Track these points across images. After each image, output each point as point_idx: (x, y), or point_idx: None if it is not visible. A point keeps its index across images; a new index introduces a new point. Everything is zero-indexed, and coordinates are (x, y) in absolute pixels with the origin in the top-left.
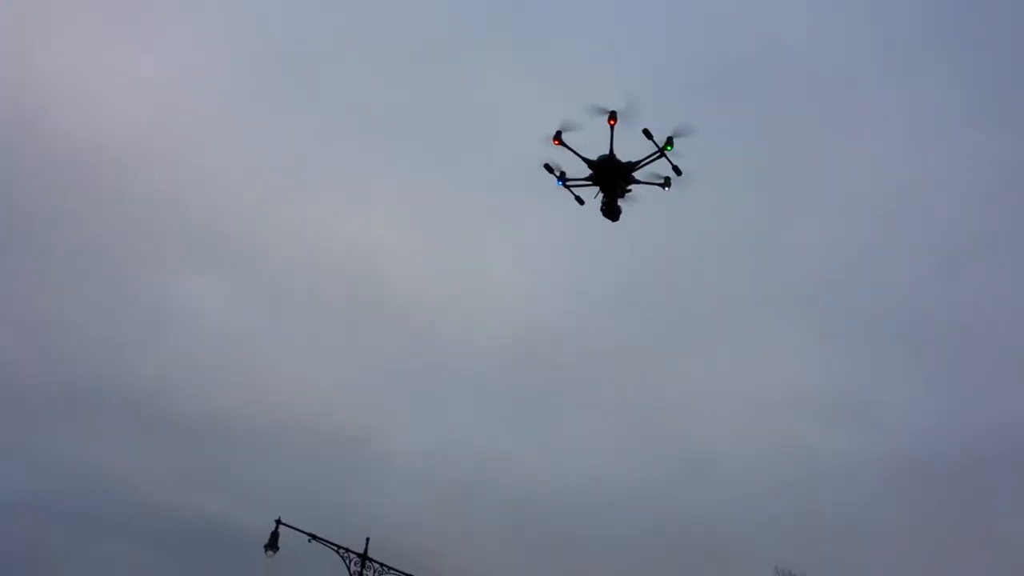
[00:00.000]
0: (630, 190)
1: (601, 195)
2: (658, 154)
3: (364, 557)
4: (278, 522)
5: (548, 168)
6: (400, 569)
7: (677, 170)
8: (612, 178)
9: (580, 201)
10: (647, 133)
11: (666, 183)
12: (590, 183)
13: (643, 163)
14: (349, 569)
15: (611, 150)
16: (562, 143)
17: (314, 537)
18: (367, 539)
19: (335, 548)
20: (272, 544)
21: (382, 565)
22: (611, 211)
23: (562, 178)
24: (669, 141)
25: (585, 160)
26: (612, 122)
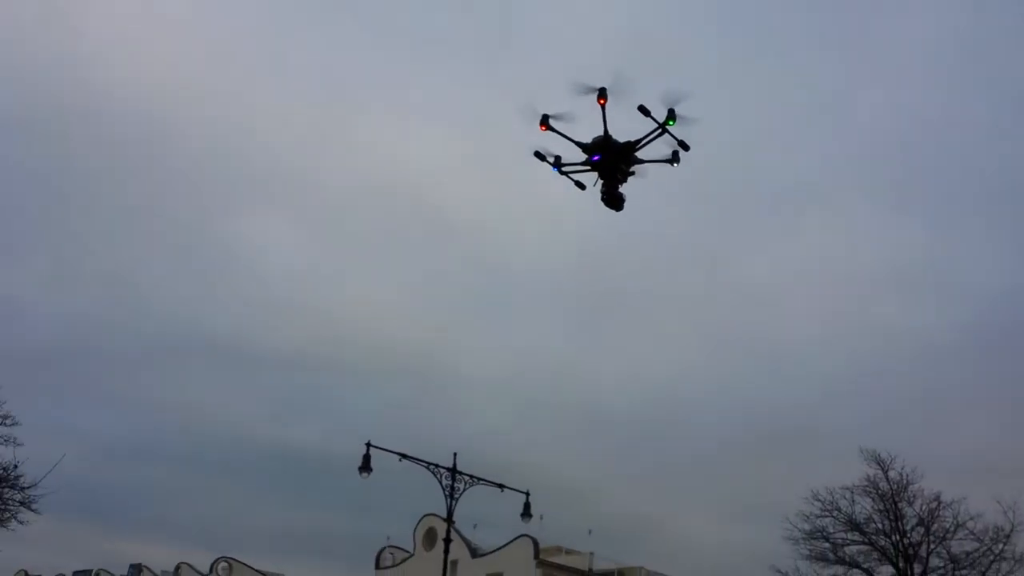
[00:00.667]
0: (632, 172)
1: (600, 182)
2: (659, 131)
3: (454, 471)
4: (368, 445)
5: (539, 156)
6: (489, 479)
7: (683, 145)
8: (611, 162)
9: (581, 186)
10: (643, 110)
11: (674, 159)
12: (588, 168)
13: (644, 142)
14: (441, 483)
15: (605, 131)
16: (550, 128)
17: (404, 456)
18: (455, 454)
19: (425, 464)
20: (365, 466)
21: (471, 477)
22: (612, 200)
23: (557, 164)
24: (671, 115)
25: (579, 144)
26: (602, 101)
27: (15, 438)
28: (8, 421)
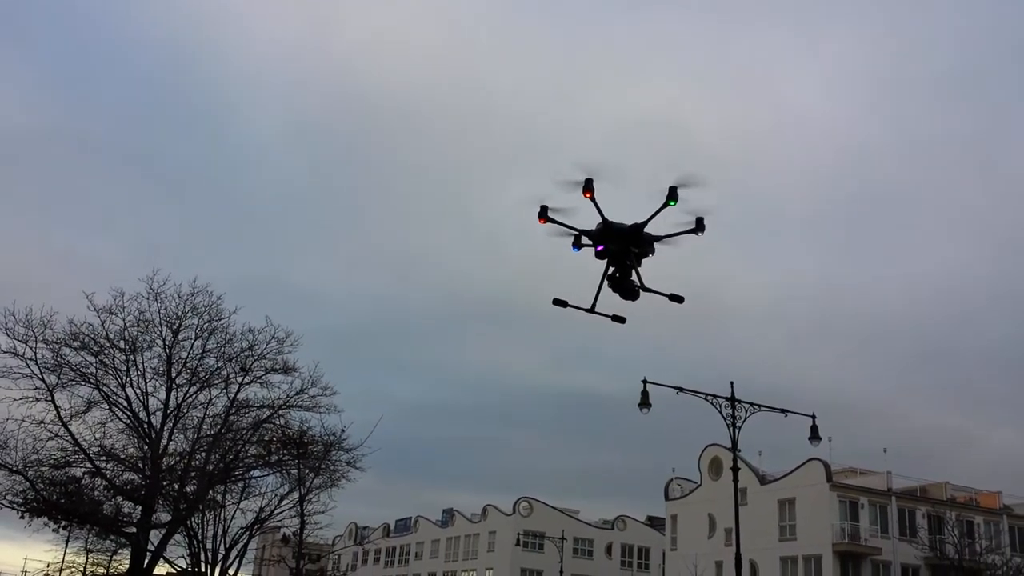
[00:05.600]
0: (649, 253)
1: (612, 269)
2: (664, 209)
3: (732, 400)
4: (645, 381)
5: (559, 303)
6: (769, 405)
7: (700, 224)
8: (621, 248)
9: (620, 320)
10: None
11: (698, 227)
12: (600, 253)
13: (650, 220)
14: (721, 412)
15: (603, 218)
16: (549, 220)
17: (681, 389)
18: (731, 383)
19: (703, 396)
20: (644, 402)
21: (752, 404)
22: (623, 290)
23: (578, 244)
24: (672, 194)
25: (583, 233)
26: (587, 195)
27: (335, 406)
28: (329, 392)
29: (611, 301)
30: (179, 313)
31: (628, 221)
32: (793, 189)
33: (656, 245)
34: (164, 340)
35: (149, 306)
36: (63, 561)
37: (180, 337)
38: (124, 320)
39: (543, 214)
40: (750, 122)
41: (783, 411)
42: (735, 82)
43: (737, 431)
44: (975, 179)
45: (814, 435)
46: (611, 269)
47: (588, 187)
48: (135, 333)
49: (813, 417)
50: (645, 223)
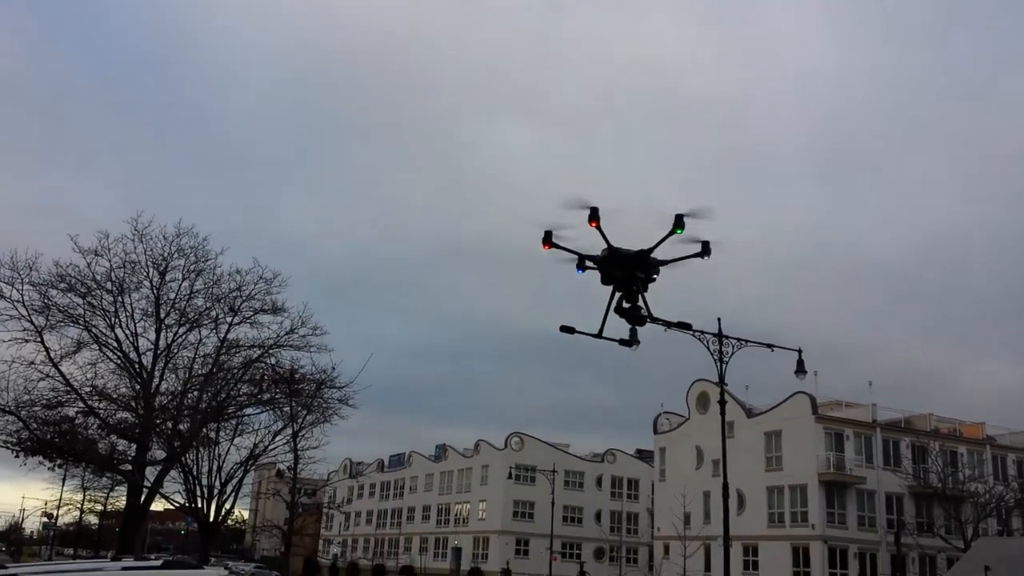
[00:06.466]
0: (655, 278)
1: (618, 295)
2: (669, 236)
3: (720, 335)
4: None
5: (566, 329)
6: (756, 340)
7: (706, 248)
8: (627, 274)
9: (628, 343)
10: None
11: (704, 251)
12: (606, 278)
13: (657, 247)
14: (708, 348)
15: (609, 244)
16: (554, 246)
17: (669, 325)
18: (718, 319)
19: (690, 331)
20: (633, 339)
21: (739, 339)
22: (630, 316)
23: (582, 265)
24: (678, 222)
25: (588, 259)
26: (594, 224)
27: (326, 345)
28: (319, 331)
29: (615, 324)
30: (165, 254)
31: (635, 245)
32: (783, 127)
33: (661, 269)
34: (151, 281)
35: (135, 248)
36: (60, 498)
37: (167, 278)
38: (110, 262)
39: (547, 240)
40: (741, 60)
41: (769, 346)
42: (728, 22)
43: (724, 365)
44: (967, 118)
45: (800, 369)
46: (617, 295)
47: (594, 216)
48: (122, 275)
49: (799, 351)
50: (651, 249)
